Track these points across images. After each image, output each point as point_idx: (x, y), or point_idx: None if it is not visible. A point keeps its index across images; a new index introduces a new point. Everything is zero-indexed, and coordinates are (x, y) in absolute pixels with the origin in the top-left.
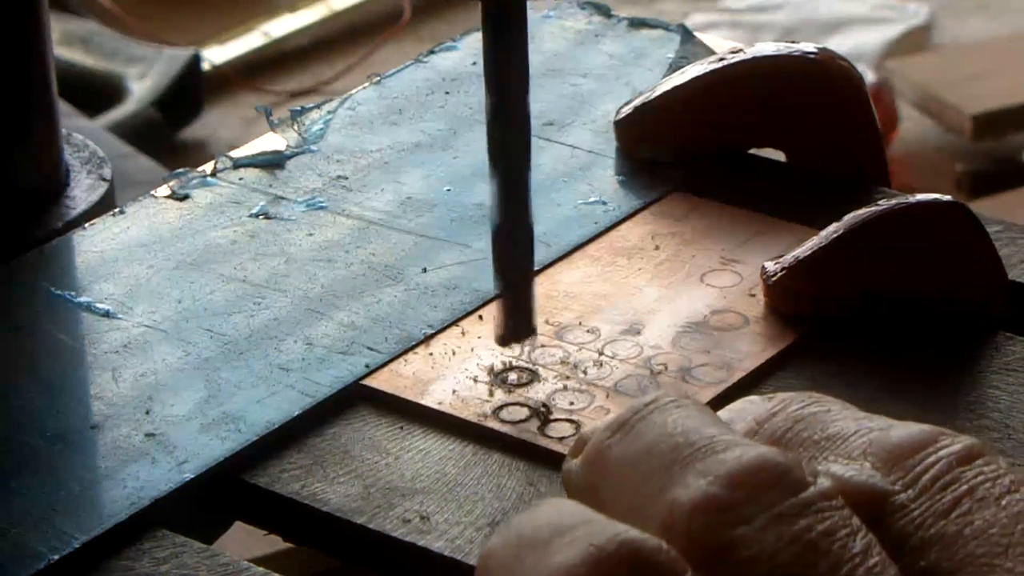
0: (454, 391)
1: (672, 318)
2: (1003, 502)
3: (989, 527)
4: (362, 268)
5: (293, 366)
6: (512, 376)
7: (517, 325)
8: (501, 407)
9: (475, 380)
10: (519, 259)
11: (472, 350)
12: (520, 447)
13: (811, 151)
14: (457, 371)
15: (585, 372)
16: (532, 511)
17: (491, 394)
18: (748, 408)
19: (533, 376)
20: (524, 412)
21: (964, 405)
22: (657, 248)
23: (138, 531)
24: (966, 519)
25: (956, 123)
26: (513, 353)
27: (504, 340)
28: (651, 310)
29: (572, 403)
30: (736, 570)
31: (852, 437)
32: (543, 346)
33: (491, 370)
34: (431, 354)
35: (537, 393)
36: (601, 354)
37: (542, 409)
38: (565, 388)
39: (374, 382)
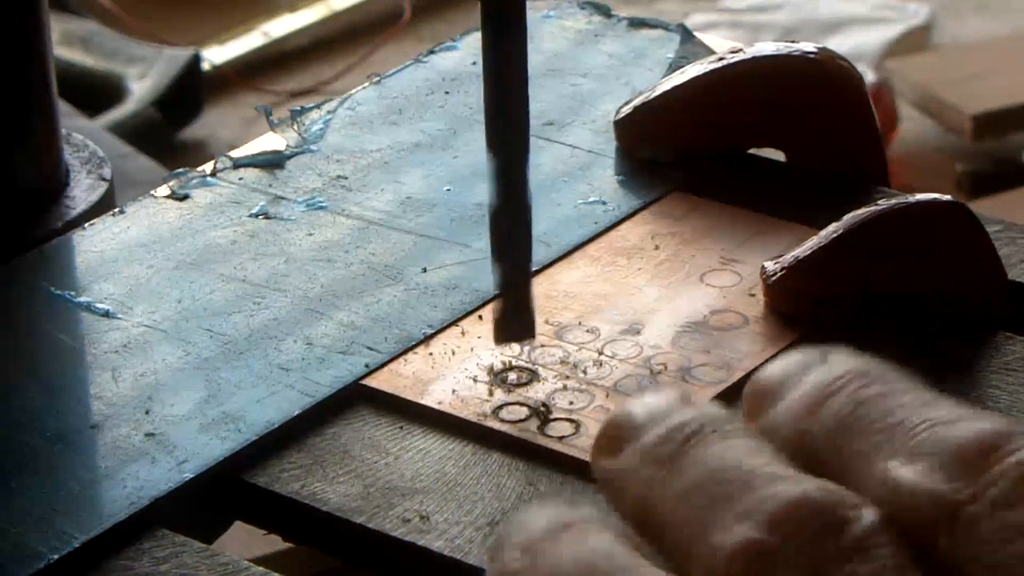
0: (454, 391)
1: (672, 318)
2: None
3: None
4: (362, 268)
5: (293, 366)
6: (512, 376)
7: (516, 326)
8: (501, 407)
9: (475, 380)
10: (518, 259)
11: (472, 350)
12: (520, 446)
13: (811, 151)
14: (457, 371)
15: (585, 372)
16: (554, 543)
17: (491, 394)
18: (805, 363)
19: (533, 376)
20: (524, 412)
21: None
22: (657, 248)
23: (138, 531)
24: None
25: (956, 123)
26: (513, 353)
27: (503, 341)
28: (651, 310)
29: (572, 403)
30: None
31: (917, 429)
32: (543, 346)
33: (491, 370)
34: (431, 354)
35: (537, 393)
36: (601, 354)
37: (542, 409)
38: (565, 388)
39: (374, 382)
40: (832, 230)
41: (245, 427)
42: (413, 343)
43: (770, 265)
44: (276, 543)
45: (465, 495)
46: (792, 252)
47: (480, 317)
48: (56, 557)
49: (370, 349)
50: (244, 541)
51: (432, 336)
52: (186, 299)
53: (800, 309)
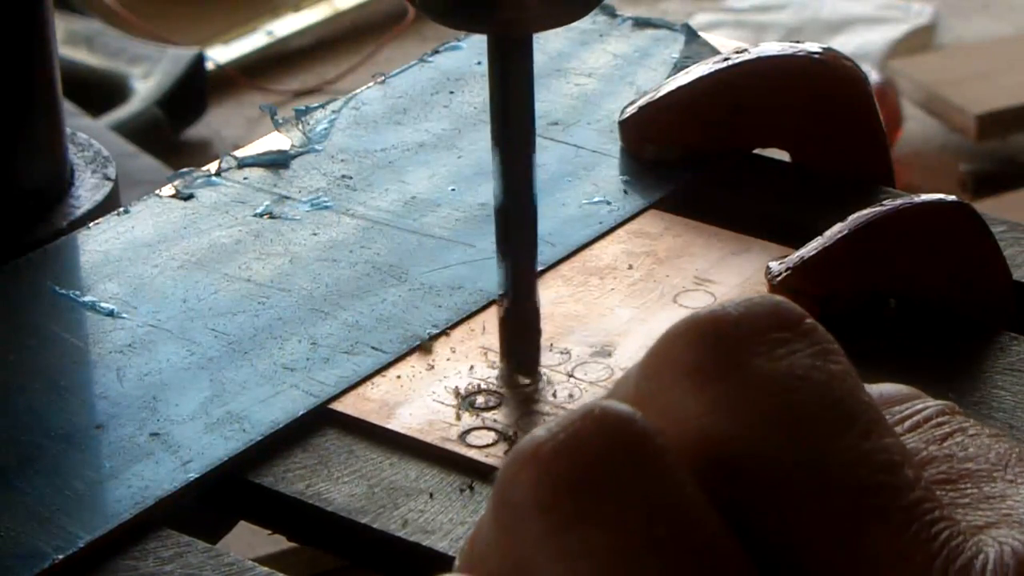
0: (420, 415)
1: (644, 340)
2: (993, 442)
3: (986, 452)
4: (366, 268)
5: (297, 366)
6: (480, 399)
7: (524, 354)
8: (468, 431)
9: (442, 403)
10: (523, 261)
11: (440, 372)
12: (486, 473)
13: (815, 151)
14: (424, 394)
15: (554, 395)
16: None
17: (458, 418)
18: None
19: (501, 399)
20: (491, 436)
21: (969, 405)
22: (631, 267)
23: (142, 530)
24: (961, 445)
25: (960, 123)
26: (481, 376)
27: (513, 368)
28: (623, 331)
29: None
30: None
31: None
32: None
33: (457, 393)
34: (398, 377)
35: (505, 417)
36: (571, 376)
37: (510, 434)
38: (534, 411)
39: (340, 406)
40: (837, 230)
41: (250, 427)
42: (417, 343)
43: (775, 265)
44: (280, 543)
45: (469, 495)
46: (797, 252)
47: (447, 334)
48: (60, 557)
49: (374, 349)
50: (248, 541)
51: (399, 359)
52: (191, 299)
53: (805, 309)
